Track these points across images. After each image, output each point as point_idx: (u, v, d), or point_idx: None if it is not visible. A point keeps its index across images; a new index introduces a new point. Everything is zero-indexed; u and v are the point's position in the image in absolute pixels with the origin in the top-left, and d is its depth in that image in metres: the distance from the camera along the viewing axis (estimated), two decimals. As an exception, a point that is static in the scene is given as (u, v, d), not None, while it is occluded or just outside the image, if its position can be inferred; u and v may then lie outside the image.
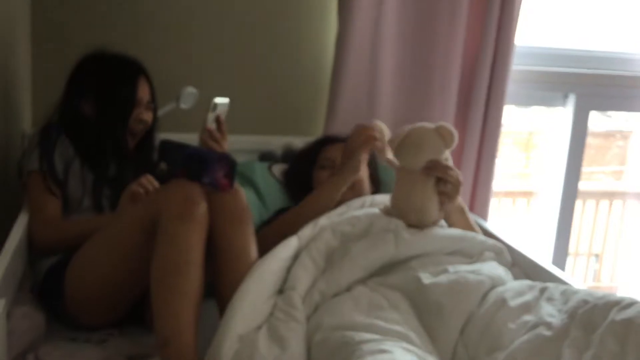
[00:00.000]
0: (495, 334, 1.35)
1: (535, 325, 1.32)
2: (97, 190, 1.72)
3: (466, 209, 1.79)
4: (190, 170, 1.51)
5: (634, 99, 2.68)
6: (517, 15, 2.28)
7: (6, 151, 1.89)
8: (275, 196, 2.00)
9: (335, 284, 1.47)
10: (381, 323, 1.32)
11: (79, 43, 1.79)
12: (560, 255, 2.67)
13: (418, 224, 1.61)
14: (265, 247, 1.55)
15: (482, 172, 2.36)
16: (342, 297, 1.44)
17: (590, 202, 3.86)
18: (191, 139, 1.71)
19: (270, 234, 1.67)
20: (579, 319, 1.29)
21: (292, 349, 1.30)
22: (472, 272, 1.48)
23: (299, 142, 2.15)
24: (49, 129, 1.72)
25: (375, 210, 1.67)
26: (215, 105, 1.69)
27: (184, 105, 2.07)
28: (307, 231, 1.58)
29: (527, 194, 3.76)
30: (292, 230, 1.62)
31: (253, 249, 1.54)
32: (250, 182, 1.97)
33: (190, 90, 2.06)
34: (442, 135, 1.60)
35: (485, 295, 1.45)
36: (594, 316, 1.28)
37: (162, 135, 1.82)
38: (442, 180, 1.62)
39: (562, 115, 2.63)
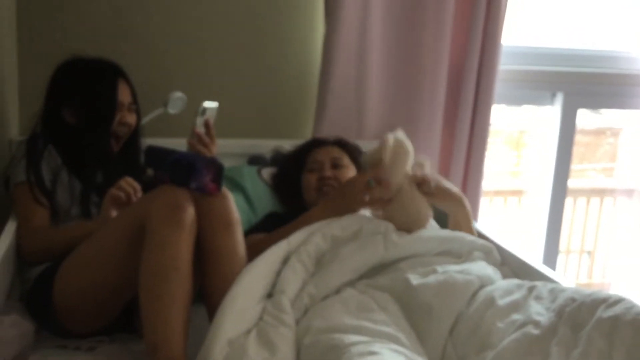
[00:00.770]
0: (484, 333, 1.35)
1: (523, 324, 1.32)
2: (85, 199, 1.72)
3: (466, 202, 1.80)
4: (177, 176, 1.50)
5: (621, 96, 2.69)
6: (503, 15, 2.29)
7: (-7, 159, 1.88)
8: (264, 200, 1.99)
9: (325, 286, 1.47)
10: (370, 325, 1.32)
11: (67, 49, 1.79)
12: (551, 253, 2.68)
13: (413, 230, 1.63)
14: (254, 254, 1.55)
15: (471, 171, 2.37)
16: (331, 299, 1.44)
17: (581, 200, 3.87)
18: (180, 144, 1.71)
19: (257, 249, 1.66)
20: (566, 317, 1.29)
21: (282, 353, 1.30)
22: (461, 272, 1.49)
23: (287, 145, 2.15)
24: (36, 139, 1.71)
25: (366, 213, 1.68)
26: (204, 109, 1.69)
27: (172, 110, 2.06)
28: (297, 235, 1.58)
29: (518, 193, 3.77)
30: None
31: (242, 253, 1.54)
32: (238, 186, 1.97)
33: (178, 95, 2.06)
34: (395, 149, 1.63)
35: (474, 295, 1.45)
36: (582, 314, 1.28)
37: (150, 141, 1.81)
38: (421, 183, 1.66)
39: (551, 113, 2.64)
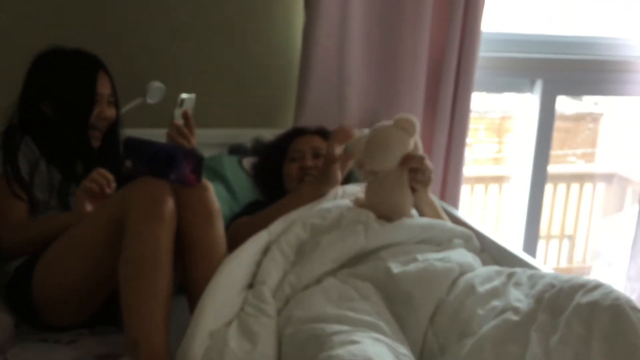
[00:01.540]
0: (464, 321, 1.36)
1: (503, 311, 1.33)
2: (64, 190, 1.70)
3: (436, 201, 1.80)
4: (156, 167, 1.49)
5: (600, 82, 2.71)
6: (483, 1, 2.29)
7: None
8: (246, 189, 1.99)
9: (306, 276, 1.47)
10: (351, 314, 1.33)
11: (42, 39, 1.76)
12: (531, 238, 2.71)
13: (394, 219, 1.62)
14: (236, 243, 1.55)
15: (452, 158, 2.38)
16: (312, 289, 1.44)
17: (562, 186, 3.91)
18: (159, 134, 1.69)
19: (242, 233, 1.66)
20: (545, 303, 1.31)
21: (263, 343, 1.30)
22: (441, 259, 1.49)
23: (268, 134, 2.14)
24: (12, 131, 1.69)
25: (346, 202, 1.68)
26: (182, 100, 1.68)
27: (150, 100, 2.05)
28: (277, 225, 1.58)
29: (500, 179, 3.80)
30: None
31: (222, 244, 1.53)
32: (219, 176, 1.96)
33: (157, 84, 2.04)
34: (403, 128, 1.60)
35: (454, 282, 1.46)
36: (560, 300, 1.29)
37: (129, 131, 1.80)
38: (415, 171, 1.63)
39: (530, 100, 2.65)
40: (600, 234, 3.31)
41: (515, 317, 1.30)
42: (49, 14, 2.08)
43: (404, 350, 1.25)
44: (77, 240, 1.52)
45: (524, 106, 2.69)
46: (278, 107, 2.32)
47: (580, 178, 3.97)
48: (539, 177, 2.66)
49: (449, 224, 1.69)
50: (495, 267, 1.52)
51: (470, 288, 1.42)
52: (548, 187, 3.68)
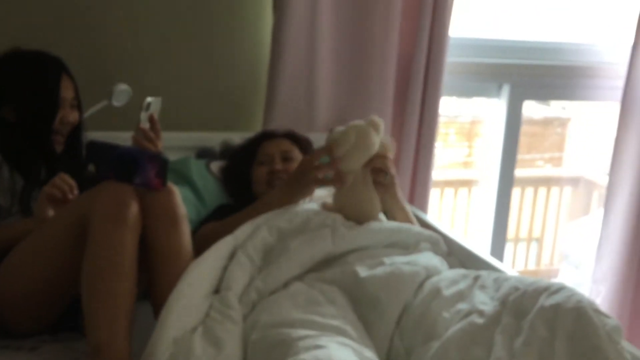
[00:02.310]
0: (430, 324, 1.37)
1: (468, 313, 1.34)
2: (27, 196, 1.67)
3: (407, 206, 1.81)
4: (120, 171, 1.47)
5: (567, 88, 2.76)
6: (451, 7, 2.31)
7: None
8: (214, 193, 1.97)
9: (272, 281, 1.46)
10: (318, 318, 1.32)
11: (3, 39, 1.73)
12: (499, 241, 2.74)
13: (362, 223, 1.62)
14: (203, 248, 1.53)
15: (420, 162, 2.39)
16: (279, 294, 1.43)
17: (529, 189, 3.95)
18: (124, 137, 1.67)
19: (209, 238, 1.64)
20: (510, 306, 1.32)
21: (228, 349, 1.29)
22: (408, 263, 1.50)
23: (237, 138, 2.13)
24: None
25: (313, 205, 1.67)
26: (148, 104, 1.66)
27: (116, 103, 2.02)
28: (243, 229, 1.57)
29: (469, 183, 3.83)
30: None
31: (188, 249, 1.52)
32: (186, 180, 1.94)
33: (123, 87, 2.02)
34: (375, 128, 1.61)
35: (420, 286, 1.46)
36: (524, 302, 1.31)
37: (94, 134, 1.77)
38: (377, 172, 1.63)
39: (498, 105, 2.68)
40: (567, 237, 3.36)
41: (480, 320, 1.31)
42: (11, 15, 2.04)
43: (369, 354, 1.25)
44: (39, 244, 1.49)
45: (491, 111, 2.72)
46: (246, 110, 2.31)
47: (547, 182, 4.02)
48: (506, 181, 2.69)
49: (416, 227, 1.70)
50: (461, 270, 1.53)
51: (436, 291, 1.42)
52: (516, 191, 3.73)
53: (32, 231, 1.51)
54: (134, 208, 1.43)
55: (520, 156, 4.59)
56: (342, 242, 1.55)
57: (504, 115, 2.65)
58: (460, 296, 1.40)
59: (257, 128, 2.25)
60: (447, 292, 1.42)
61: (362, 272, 1.46)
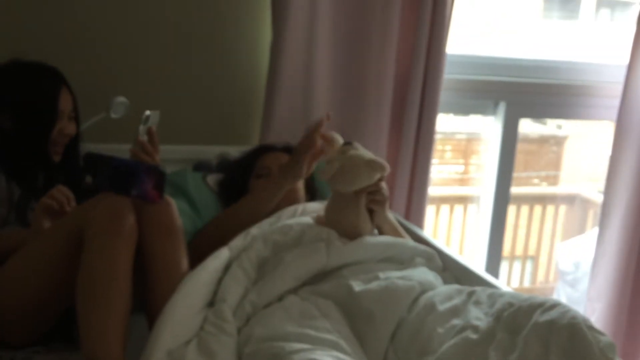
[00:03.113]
0: (424, 339, 1.37)
1: (462, 329, 1.34)
2: (23, 205, 1.67)
3: (394, 219, 1.82)
4: (117, 183, 1.48)
5: (563, 106, 2.77)
6: (448, 24, 2.33)
7: None
8: (210, 206, 1.97)
9: (267, 294, 1.46)
10: (312, 332, 1.33)
11: (1, 51, 1.74)
12: (494, 258, 2.74)
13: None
14: (199, 256, 1.54)
15: (417, 179, 2.40)
16: (273, 307, 1.43)
17: (525, 207, 3.96)
18: (122, 149, 1.68)
19: (204, 239, 1.65)
20: (504, 322, 1.32)
21: (222, 361, 1.29)
22: (402, 277, 1.50)
23: (234, 151, 2.13)
24: None
25: (308, 219, 1.68)
26: (147, 117, 1.67)
27: (114, 115, 2.02)
28: (238, 241, 1.57)
29: (466, 200, 3.84)
30: (225, 233, 1.61)
31: (184, 262, 1.52)
32: (182, 192, 1.94)
33: (121, 99, 2.02)
34: (374, 169, 1.62)
35: (415, 301, 1.47)
36: (519, 318, 1.31)
37: (92, 146, 1.78)
38: (372, 193, 1.66)
39: (494, 122, 2.69)
40: (562, 255, 3.36)
41: (474, 336, 1.32)
42: (10, 26, 2.06)
43: (363, 368, 1.25)
44: (35, 254, 1.49)
45: (488, 128, 2.74)
46: (244, 124, 2.32)
47: (543, 200, 4.04)
48: (502, 199, 2.70)
49: (411, 242, 1.71)
50: (456, 286, 1.53)
51: (431, 306, 1.43)
52: (511, 209, 3.74)
53: (28, 242, 1.51)
54: (130, 220, 1.44)
55: (517, 174, 4.61)
56: (337, 256, 1.55)
57: (499, 132, 2.66)
58: (455, 312, 1.41)
59: (254, 142, 2.25)
60: (442, 307, 1.42)
61: (357, 286, 1.46)
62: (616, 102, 2.62)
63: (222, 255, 1.53)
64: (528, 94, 2.68)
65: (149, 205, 1.49)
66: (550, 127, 5.19)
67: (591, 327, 1.25)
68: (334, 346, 1.29)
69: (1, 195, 1.65)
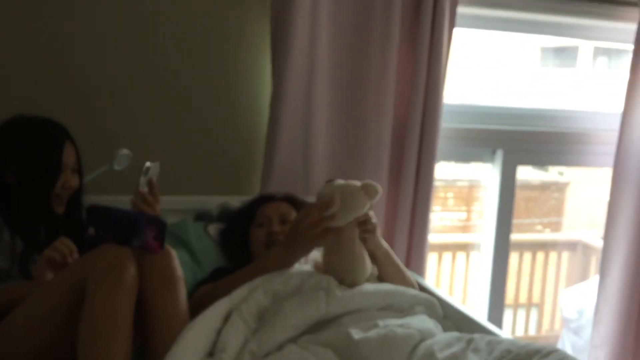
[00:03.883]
0: (424, 387, 1.37)
1: (462, 377, 1.34)
2: (26, 258, 1.69)
3: (391, 251, 1.83)
4: (119, 234, 1.50)
5: (559, 153, 2.81)
6: (444, 74, 2.38)
7: None
8: (211, 256, 1.99)
9: (267, 343, 1.47)
10: (311, 381, 1.32)
11: (6, 109, 1.78)
12: (497, 306, 2.72)
13: (353, 283, 1.63)
14: (199, 309, 1.54)
15: (416, 227, 2.41)
16: (272, 357, 1.43)
17: (527, 255, 3.96)
18: (125, 201, 1.71)
19: (205, 299, 1.65)
20: (503, 369, 1.32)
21: (222, 412, 1.29)
22: (402, 325, 1.51)
23: (234, 201, 2.16)
24: None
25: (307, 267, 1.69)
26: (147, 168, 1.71)
27: (117, 167, 2.07)
28: (239, 292, 1.58)
29: (467, 247, 3.84)
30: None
31: (184, 312, 1.52)
32: (183, 243, 1.97)
33: (124, 152, 2.07)
34: (368, 193, 1.64)
35: (414, 349, 1.47)
36: (517, 365, 1.31)
37: (95, 198, 1.80)
38: (364, 223, 1.69)
39: (492, 169, 2.73)
40: (566, 302, 3.34)
41: (473, 383, 1.31)
42: (12, 81, 2.10)
43: (362, 417, 1.25)
44: (37, 306, 1.50)
45: (486, 175, 2.77)
46: (245, 174, 2.35)
47: (545, 246, 4.03)
48: (502, 245, 2.70)
49: (411, 290, 1.71)
50: (455, 333, 1.54)
51: (430, 354, 1.43)
52: (514, 256, 3.74)
53: (30, 294, 1.52)
54: (131, 270, 1.45)
55: (520, 220, 4.62)
56: (336, 304, 1.56)
57: (498, 180, 2.69)
58: (454, 359, 1.41)
59: (254, 192, 2.28)
60: (441, 355, 1.42)
61: (356, 334, 1.47)
62: (613, 149, 2.65)
63: (222, 305, 1.53)
64: (525, 141, 2.72)
65: (149, 256, 1.51)
66: (552, 173, 5.22)
67: (588, 374, 1.25)
68: (333, 395, 1.29)
69: (4, 248, 1.67)
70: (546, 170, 5.14)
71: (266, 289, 1.58)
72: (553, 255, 3.98)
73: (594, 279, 3.12)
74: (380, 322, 1.51)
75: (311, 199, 2.09)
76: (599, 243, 3.56)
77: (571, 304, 3.26)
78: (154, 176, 1.72)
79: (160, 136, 2.25)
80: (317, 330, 1.53)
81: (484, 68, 3.85)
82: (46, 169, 1.70)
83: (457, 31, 2.40)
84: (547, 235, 4.49)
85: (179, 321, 1.49)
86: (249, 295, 1.56)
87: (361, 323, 1.52)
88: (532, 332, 4.01)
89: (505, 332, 1.64)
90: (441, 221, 4.76)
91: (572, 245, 4.04)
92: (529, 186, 5.09)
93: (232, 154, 2.33)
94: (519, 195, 4.89)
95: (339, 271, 1.63)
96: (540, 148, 2.75)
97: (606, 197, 2.71)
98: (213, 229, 2.07)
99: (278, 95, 2.22)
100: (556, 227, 4.96)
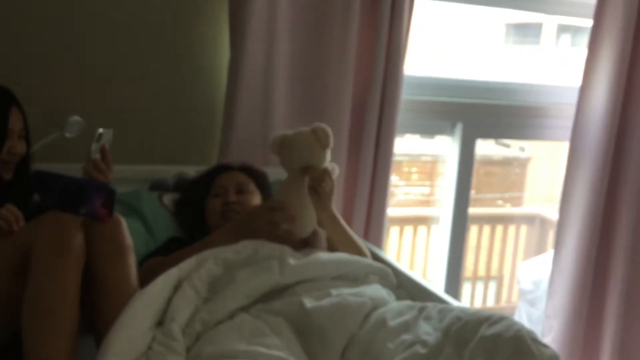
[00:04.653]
0: (375, 355, 1.37)
1: (412, 344, 1.35)
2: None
3: (338, 216, 1.83)
4: (66, 201, 1.46)
5: (518, 127, 2.83)
6: (405, 46, 2.37)
7: None
8: (165, 226, 1.96)
9: (218, 312, 1.45)
10: (262, 349, 1.32)
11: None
12: (454, 279, 2.75)
13: (296, 233, 1.64)
14: (148, 280, 1.51)
15: (375, 200, 2.41)
16: (223, 325, 1.42)
17: (486, 228, 4.01)
18: (76, 169, 1.66)
19: (155, 270, 1.62)
20: (452, 336, 1.34)
21: (170, 381, 1.27)
22: (354, 294, 1.51)
23: (192, 171, 2.13)
24: None
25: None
26: (100, 135, 1.67)
27: (68, 134, 2.01)
28: (188, 262, 1.55)
29: (428, 221, 3.88)
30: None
31: (133, 281, 1.50)
32: (136, 212, 1.93)
33: (76, 119, 2.01)
34: (317, 135, 1.65)
35: (366, 317, 1.47)
36: (466, 332, 1.33)
37: (47, 166, 1.76)
38: (317, 182, 1.69)
39: (451, 143, 2.74)
40: (523, 275, 3.40)
41: (423, 350, 1.32)
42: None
43: (312, 384, 1.25)
44: (-19, 275, 1.46)
45: (446, 149, 2.78)
46: (202, 144, 2.32)
47: (504, 220, 4.09)
48: (460, 219, 2.72)
49: (365, 260, 1.71)
50: (408, 302, 1.55)
51: (382, 322, 1.43)
52: (473, 229, 3.78)
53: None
54: (78, 238, 1.42)
55: (481, 195, 4.68)
56: (289, 273, 1.55)
57: (457, 153, 2.70)
58: (406, 327, 1.42)
59: (211, 162, 2.25)
60: (393, 323, 1.43)
61: (309, 303, 1.47)
62: (570, 123, 2.68)
63: (171, 274, 1.50)
64: (484, 115, 2.73)
65: (98, 224, 1.48)
66: (514, 149, 5.28)
67: (535, 340, 1.27)
68: (284, 363, 1.29)
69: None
70: (508, 146, 5.20)
71: (217, 258, 1.56)
72: (512, 228, 4.04)
73: (551, 252, 3.19)
74: (333, 291, 1.51)
75: (270, 170, 2.08)
76: (556, 217, 3.63)
77: (528, 276, 3.32)
78: (106, 143, 1.68)
79: (114, 104, 2.19)
80: (269, 300, 1.52)
81: (447, 42, 3.85)
82: None
83: (420, 2, 2.38)
84: (507, 210, 4.55)
85: (127, 291, 1.47)
86: (200, 265, 1.55)
87: (314, 292, 1.52)
88: (490, 303, 4.08)
89: (455, 301, 1.65)
90: (405, 195, 4.79)
91: (530, 219, 4.10)
92: (491, 162, 5.14)
93: (190, 123, 2.29)
94: (482, 170, 4.95)
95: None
96: (500, 121, 2.77)
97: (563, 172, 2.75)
98: (168, 198, 2.04)
99: (236, 64, 2.18)
100: (517, 202, 5.03)
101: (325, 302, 1.47)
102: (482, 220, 3.97)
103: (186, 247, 1.69)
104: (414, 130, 2.73)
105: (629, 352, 2.74)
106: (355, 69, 2.35)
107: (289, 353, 1.34)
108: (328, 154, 1.72)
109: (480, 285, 4.04)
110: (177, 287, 1.50)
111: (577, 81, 2.67)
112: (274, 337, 1.38)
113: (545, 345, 1.27)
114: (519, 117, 2.80)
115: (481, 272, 4.01)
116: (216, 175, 1.96)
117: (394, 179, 2.78)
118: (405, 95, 2.45)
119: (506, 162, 5.38)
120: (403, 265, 1.85)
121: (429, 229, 3.82)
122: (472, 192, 2.81)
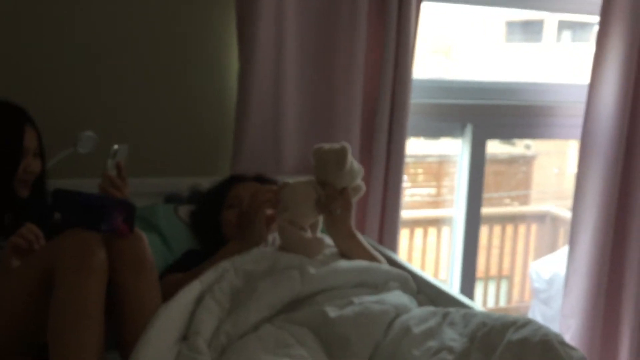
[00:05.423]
0: (401, 362, 1.37)
1: (438, 351, 1.35)
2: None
3: (357, 234, 1.82)
4: (87, 219, 1.46)
5: (528, 126, 2.83)
6: (413, 50, 2.37)
7: None
8: (182, 239, 1.96)
9: (242, 324, 1.45)
10: (288, 360, 1.32)
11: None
12: (468, 279, 2.75)
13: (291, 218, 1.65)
14: (169, 294, 1.52)
15: (388, 203, 2.41)
16: (248, 337, 1.42)
17: (497, 228, 4.00)
18: (91, 184, 1.67)
19: (175, 284, 1.62)
20: (478, 341, 1.33)
21: (198, 395, 1.27)
22: (377, 302, 1.50)
23: (205, 182, 2.13)
24: None
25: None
26: (115, 151, 1.67)
27: (82, 150, 2.01)
28: (209, 274, 1.56)
29: (438, 222, 3.87)
30: None
31: (156, 296, 1.50)
32: (153, 227, 1.93)
33: (89, 134, 2.01)
34: (337, 154, 1.68)
35: (390, 324, 1.47)
36: (492, 337, 1.32)
37: (61, 182, 1.76)
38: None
39: (462, 144, 2.73)
40: (536, 274, 3.39)
41: (449, 357, 1.32)
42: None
43: (340, 395, 1.25)
44: (4, 294, 1.46)
45: (456, 150, 2.78)
46: (215, 155, 2.32)
47: (514, 219, 4.08)
48: (473, 219, 2.73)
49: (384, 266, 1.71)
50: (430, 308, 1.54)
51: (406, 329, 1.43)
52: (484, 229, 3.77)
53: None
54: (100, 255, 1.42)
55: (488, 195, 4.68)
56: (310, 282, 1.55)
57: (468, 154, 2.70)
58: (430, 333, 1.41)
59: (224, 173, 2.25)
60: (417, 329, 1.43)
61: (332, 312, 1.46)
62: (580, 121, 2.68)
63: (193, 288, 1.51)
64: (494, 115, 2.73)
65: (119, 240, 1.48)
66: (519, 147, 5.28)
67: (563, 343, 1.26)
68: (311, 374, 1.28)
69: (-32, 235, 1.62)
70: (513, 144, 5.20)
71: (237, 269, 1.56)
72: (522, 227, 4.03)
73: (563, 250, 3.18)
74: (355, 299, 1.51)
75: (282, 177, 2.07)
76: (566, 214, 3.62)
77: (540, 275, 3.32)
78: (122, 159, 1.68)
79: (127, 118, 2.20)
80: (291, 310, 1.52)
81: (448, 42, 3.85)
82: (6, 154, 1.65)
83: (425, 5, 2.38)
84: (516, 208, 4.54)
85: (150, 306, 1.47)
86: (221, 277, 1.54)
87: (336, 301, 1.51)
88: (502, 303, 4.07)
89: (477, 305, 1.65)
90: (412, 197, 4.78)
91: (540, 218, 4.10)
92: (496, 160, 5.14)
93: (202, 134, 2.29)
94: (488, 169, 4.94)
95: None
96: (509, 122, 2.77)
97: (573, 169, 2.74)
98: (184, 211, 2.04)
99: (246, 73, 2.18)
100: (524, 200, 5.02)
101: (348, 310, 1.47)
102: (492, 219, 3.96)
103: (203, 260, 1.69)
104: (424, 134, 2.73)
105: (648, 348, 2.73)
106: (365, 75, 2.35)
107: (315, 363, 1.34)
108: (354, 175, 1.71)
109: (492, 285, 4.04)
110: (199, 300, 1.50)
111: (583, 77, 2.67)
112: (300, 348, 1.38)
113: (572, 348, 1.27)
114: (528, 116, 2.80)
115: (493, 271, 4.00)
116: (230, 186, 1.96)
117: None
118: (415, 99, 2.46)
119: (512, 161, 5.38)
120: (422, 271, 1.84)
121: (439, 230, 3.81)
122: (482, 192, 2.81)
